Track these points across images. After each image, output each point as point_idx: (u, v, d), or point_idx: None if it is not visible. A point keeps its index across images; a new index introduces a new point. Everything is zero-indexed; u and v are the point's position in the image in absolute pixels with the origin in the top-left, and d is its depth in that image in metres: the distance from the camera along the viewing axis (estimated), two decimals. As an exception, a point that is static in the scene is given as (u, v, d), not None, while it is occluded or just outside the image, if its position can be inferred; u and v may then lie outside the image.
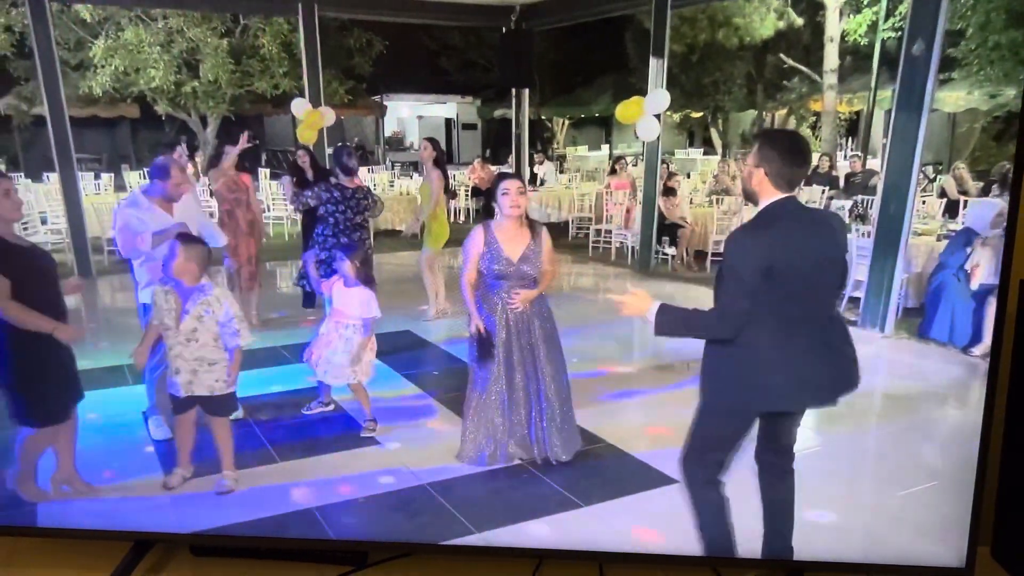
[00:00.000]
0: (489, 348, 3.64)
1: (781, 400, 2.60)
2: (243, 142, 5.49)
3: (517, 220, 3.51)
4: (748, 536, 2.88)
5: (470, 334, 3.69)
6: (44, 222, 7.90)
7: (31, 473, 3.34)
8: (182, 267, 3.18)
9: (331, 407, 4.31)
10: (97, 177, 9.73)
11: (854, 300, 5.92)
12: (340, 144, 7.02)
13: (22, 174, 9.78)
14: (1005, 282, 2.59)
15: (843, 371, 2.64)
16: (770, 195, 2.48)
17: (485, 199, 3.69)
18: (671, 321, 2.54)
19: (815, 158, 10.81)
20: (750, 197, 2.54)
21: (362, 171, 10.63)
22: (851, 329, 5.62)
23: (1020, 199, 2.55)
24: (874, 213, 5.87)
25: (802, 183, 2.63)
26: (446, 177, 5.82)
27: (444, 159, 5.79)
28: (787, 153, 2.46)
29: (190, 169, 5.78)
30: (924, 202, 7.74)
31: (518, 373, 3.67)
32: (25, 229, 7.83)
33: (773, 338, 2.49)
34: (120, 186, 9.78)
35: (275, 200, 8.83)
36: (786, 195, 2.49)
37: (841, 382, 2.65)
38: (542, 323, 3.68)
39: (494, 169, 5.71)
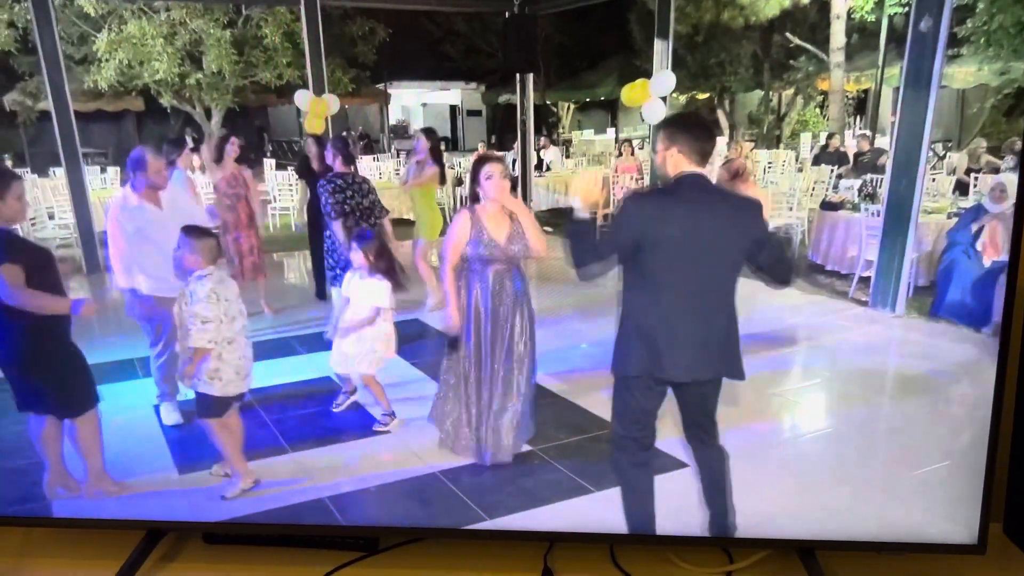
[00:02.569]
0: (457, 343, 3.65)
1: (663, 367, 2.65)
2: (234, 151, 5.51)
3: (502, 205, 3.47)
4: (750, 516, 2.88)
5: (444, 325, 3.68)
6: (51, 217, 7.92)
7: (61, 470, 3.34)
8: (188, 258, 3.17)
9: (356, 394, 4.25)
10: (103, 171, 9.74)
11: (864, 280, 5.89)
12: (336, 135, 7.00)
13: (28, 169, 9.82)
14: (1015, 258, 2.56)
15: (720, 359, 2.71)
16: (682, 168, 2.59)
17: (469, 184, 3.61)
18: (583, 232, 2.67)
19: (823, 137, 10.73)
20: (662, 175, 2.66)
21: (367, 160, 10.63)
22: (862, 310, 5.66)
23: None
24: (883, 192, 5.82)
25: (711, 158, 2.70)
26: (443, 169, 5.73)
27: (441, 151, 5.72)
28: (695, 133, 2.62)
29: (196, 162, 5.76)
30: (934, 180, 7.66)
31: (494, 364, 3.63)
32: (33, 225, 7.86)
33: (658, 307, 2.61)
34: (126, 180, 9.80)
35: (281, 191, 8.82)
36: (697, 170, 2.61)
37: (714, 367, 2.71)
38: (523, 314, 3.63)
39: (499, 155, 5.75)
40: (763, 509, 3.03)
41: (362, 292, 3.88)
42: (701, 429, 2.84)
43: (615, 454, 2.89)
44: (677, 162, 2.57)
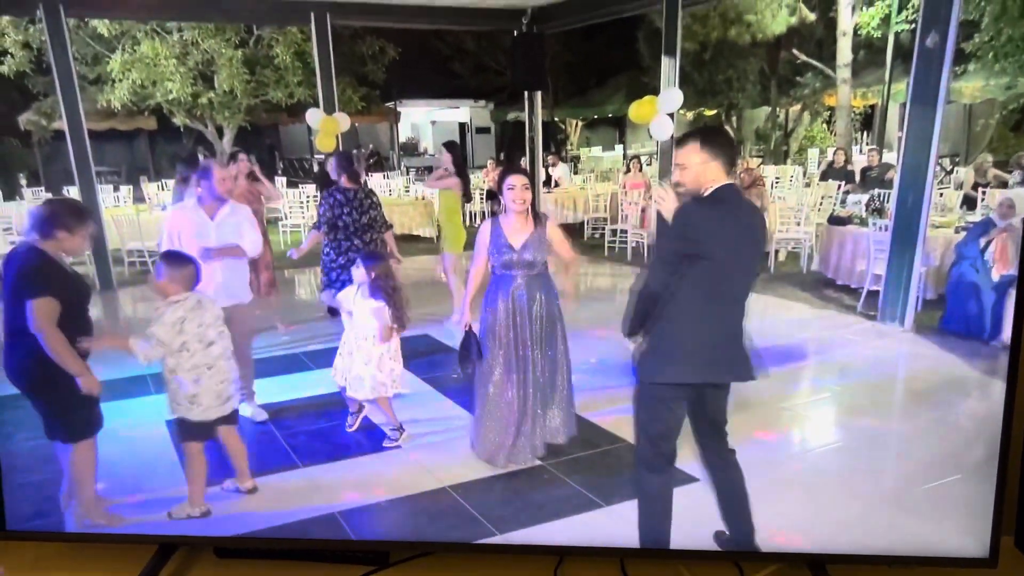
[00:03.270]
0: (469, 348, 3.73)
1: (695, 371, 2.68)
2: (244, 168, 5.59)
3: (523, 214, 3.62)
4: (761, 529, 2.88)
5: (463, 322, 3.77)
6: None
7: (92, 496, 3.33)
8: (164, 286, 3.13)
9: (365, 409, 4.25)
10: (116, 189, 9.86)
11: (873, 294, 5.90)
12: (342, 151, 7.06)
13: (43, 188, 9.95)
14: (1024, 271, 2.58)
15: (743, 357, 2.73)
16: (719, 181, 2.63)
17: (492, 197, 3.76)
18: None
19: (830, 153, 10.76)
20: (692, 188, 2.67)
21: (377, 177, 10.72)
22: (870, 324, 5.66)
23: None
24: (891, 207, 5.84)
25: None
26: (466, 184, 5.79)
27: (464, 166, 5.78)
28: (729, 144, 2.70)
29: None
30: (942, 194, 7.68)
31: (520, 371, 3.70)
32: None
33: (703, 312, 2.64)
34: (139, 198, 9.90)
35: (292, 208, 8.89)
36: (730, 181, 2.66)
37: (741, 367, 2.72)
38: (550, 318, 3.71)
39: (522, 167, 5.74)
40: (774, 522, 3.03)
41: (363, 311, 3.88)
42: (717, 438, 2.83)
43: (644, 474, 2.83)
44: (716, 174, 2.63)
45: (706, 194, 2.61)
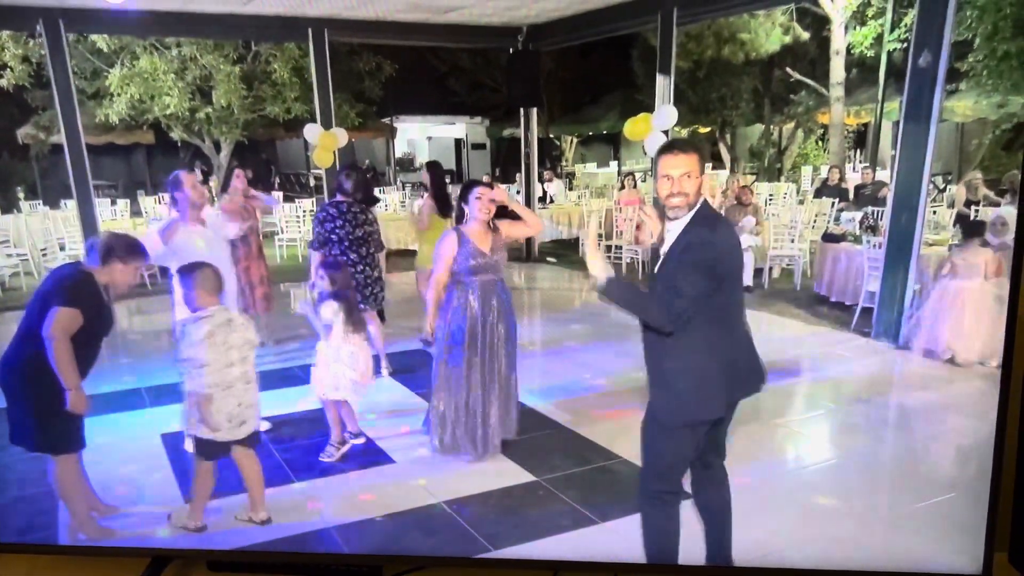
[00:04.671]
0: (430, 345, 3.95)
1: (723, 400, 2.55)
2: (240, 185, 5.62)
3: (485, 223, 3.84)
4: (753, 545, 2.88)
5: (425, 333, 3.93)
6: (63, 248, 8.01)
7: (83, 511, 3.30)
8: (193, 296, 3.13)
9: (362, 439, 4.21)
10: (113, 203, 9.88)
11: (867, 311, 5.92)
12: (350, 165, 7.06)
13: (40, 201, 9.97)
14: (1015, 288, 2.59)
15: (758, 365, 2.65)
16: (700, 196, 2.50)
17: (457, 204, 3.96)
18: (620, 288, 2.50)
19: (824, 170, 10.84)
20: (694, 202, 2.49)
21: (374, 192, 10.74)
22: (864, 340, 5.69)
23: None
24: (885, 224, 5.88)
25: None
26: (440, 202, 5.64)
27: (444, 186, 5.70)
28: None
29: (205, 194, 5.83)
30: (935, 212, 7.73)
31: (480, 367, 3.89)
32: (44, 256, 7.96)
33: (718, 339, 2.50)
34: (136, 212, 9.91)
35: (288, 222, 8.91)
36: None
37: (757, 376, 2.64)
38: (507, 319, 3.91)
39: (503, 187, 5.75)
40: (766, 538, 3.04)
41: (323, 312, 3.91)
42: (716, 453, 2.78)
43: (652, 511, 2.70)
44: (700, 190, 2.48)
45: (698, 211, 2.47)
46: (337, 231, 4.81)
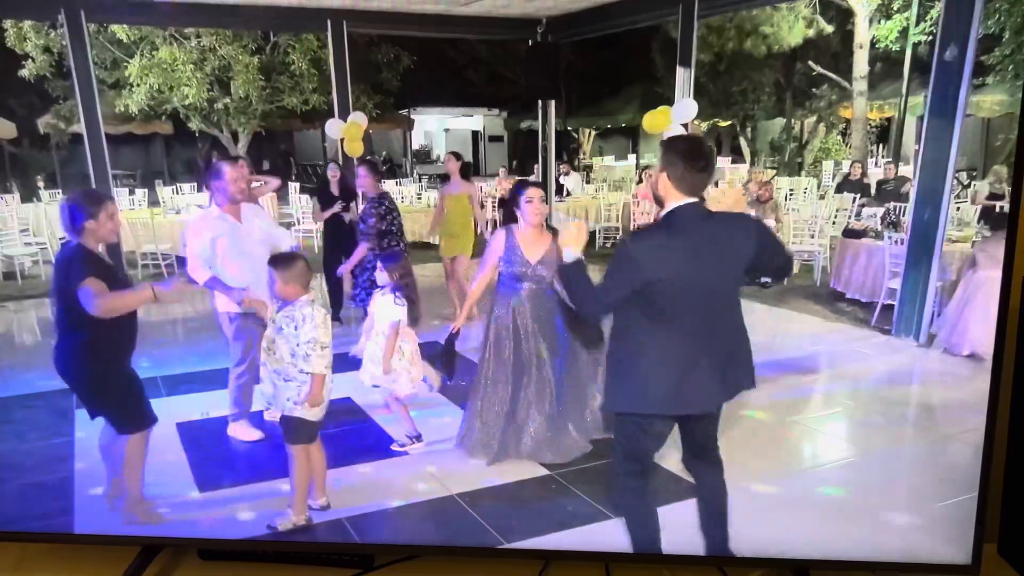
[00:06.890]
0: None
1: (677, 405, 2.53)
2: (244, 171, 5.62)
3: (539, 227, 3.62)
4: (748, 535, 2.84)
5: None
6: (81, 237, 8.05)
7: (138, 492, 3.31)
8: (282, 290, 3.10)
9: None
10: (132, 193, 9.93)
11: (887, 308, 5.84)
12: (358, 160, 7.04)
13: (60, 191, 10.03)
14: (1007, 279, 2.53)
15: (737, 375, 2.60)
16: (675, 199, 2.45)
17: (506, 207, 3.74)
18: (576, 273, 2.51)
19: (846, 165, 10.70)
20: (658, 202, 2.51)
21: (390, 183, 10.74)
22: (885, 338, 5.60)
23: (1021, 197, 2.49)
24: (907, 220, 5.78)
25: (707, 188, 2.54)
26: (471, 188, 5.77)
27: (469, 171, 5.78)
28: (687, 157, 2.44)
29: (245, 189, 5.85)
30: (959, 209, 7.60)
31: (524, 375, 3.71)
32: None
33: (667, 343, 2.48)
34: (154, 201, 9.96)
35: (305, 213, 8.92)
36: (690, 200, 2.45)
37: (732, 386, 2.60)
38: (551, 333, 3.70)
39: (539, 181, 5.66)
40: (758, 528, 3.01)
41: (382, 309, 3.87)
42: (705, 451, 2.75)
43: (619, 493, 2.75)
44: (669, 191, 2.46)
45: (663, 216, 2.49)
46: (396, 221, 4.83)
